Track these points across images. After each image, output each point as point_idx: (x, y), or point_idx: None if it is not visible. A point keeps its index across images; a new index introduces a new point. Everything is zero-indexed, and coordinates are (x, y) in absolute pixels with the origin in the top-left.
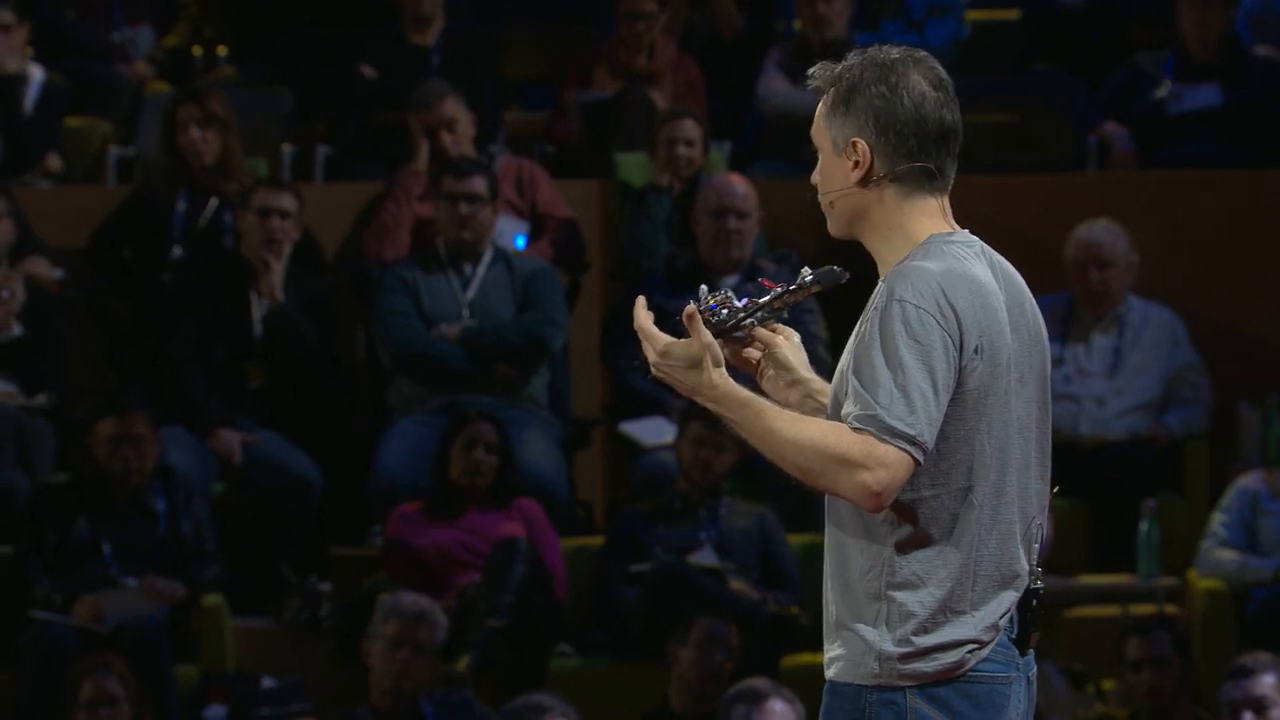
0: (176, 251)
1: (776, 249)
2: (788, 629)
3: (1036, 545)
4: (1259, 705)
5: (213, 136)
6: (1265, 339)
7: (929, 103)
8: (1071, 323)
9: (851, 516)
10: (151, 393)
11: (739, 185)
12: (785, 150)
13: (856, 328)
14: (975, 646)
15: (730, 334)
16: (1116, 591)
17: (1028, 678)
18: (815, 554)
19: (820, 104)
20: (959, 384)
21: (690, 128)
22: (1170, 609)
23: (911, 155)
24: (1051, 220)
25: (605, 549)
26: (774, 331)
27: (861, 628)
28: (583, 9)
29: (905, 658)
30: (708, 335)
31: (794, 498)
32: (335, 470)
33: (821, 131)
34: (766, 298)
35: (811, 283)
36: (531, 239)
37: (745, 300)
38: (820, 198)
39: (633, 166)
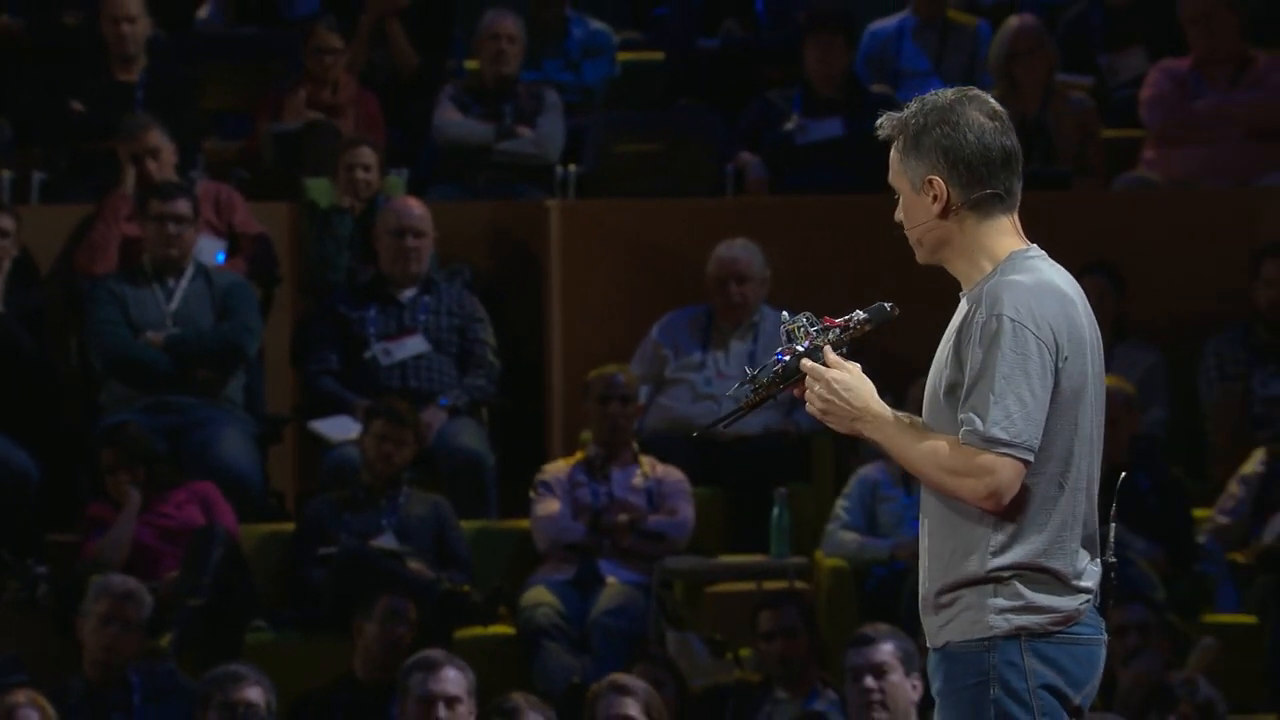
0: None
1: (449, 264)
2: (459, 605)
3: (1113, 525)
4: (879, 670)
5: None
6: (879, 344)
7: (989, 133)
8: (712, 331)
9: (959, 505)
10: None
11: (416, 207)
12: (457, 175)
13: (945, 343)
14: (1076, 607)
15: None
16: (752, 569)
17: (1105, 642)
18: (485, 537)
19: (893, 151)
20: (1055, 384)
21: (368, 154)
22: (799, 585)
23: (982, 183)
24: (694, 240)
25: (296, 534)
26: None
27: (973, 593)
28: (274, 48)
29: (1018, 610)
30: (853, 364)
31: (465, 488)
32: (51, 464)
33: (899, 175)
34: (832, 335)
35: (865, 320)
36: (228, 255)
37: (806, 345)
38: (908, 233)
39: (319, 189)
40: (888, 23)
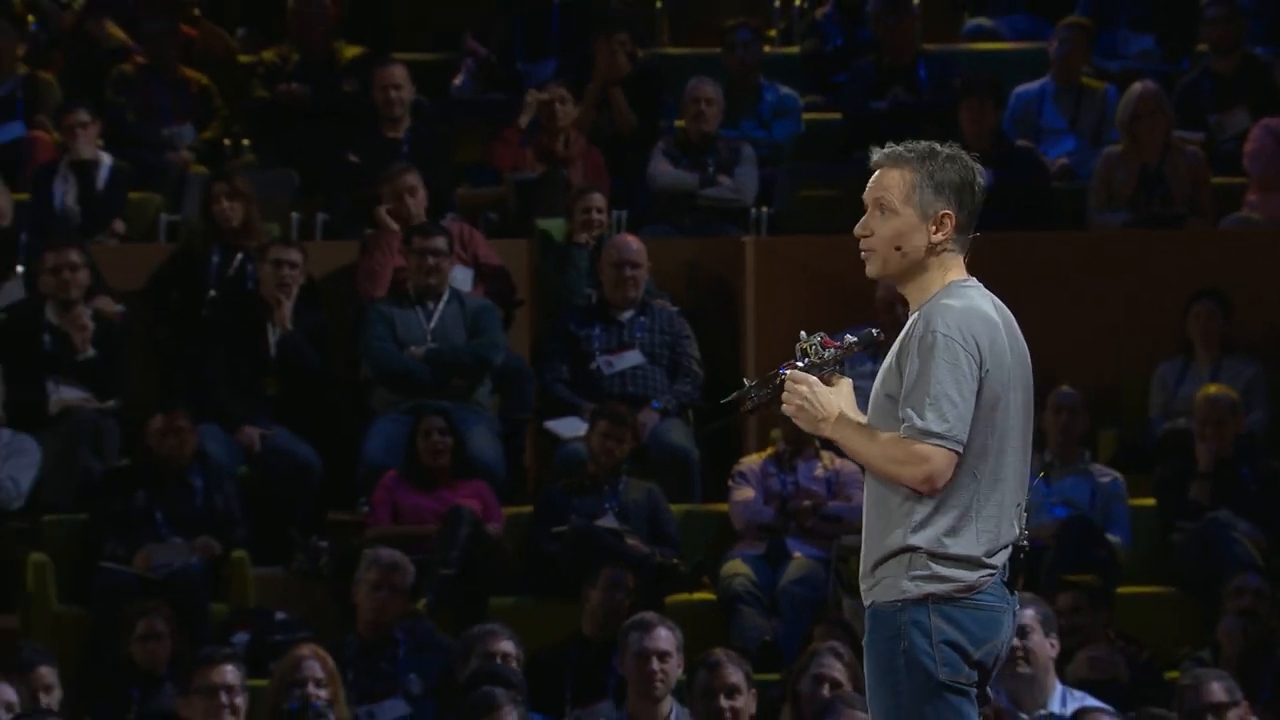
0: (211, 293)
1: (662, 290)
2: (670, 576)
3: (1025, 514)
4: (1023, 631)
5: (238, 207)
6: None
7: (982, 188)
8: (881, 347)
9: (888, 489)
10: (192, 398)
11: (634, 243)
12: (667, 216)
13: (890, 354)
14: (977, 579)
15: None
16: None
17: (1013, 611)
18: (692, 519)
19: (898, 176)
20: (978, 391)
21: (598, 199)
22: None
23: (972, 227)
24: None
25: (534, 515)
26: (830, 380)
27: (894, 563)
28: (514, 111)
29: (926, 579)
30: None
31: (674, 477)
32: (331, 457)
33: (905, 201)
34: (829, 354)
35: (854, 343)
36: (473, 284)
37: (805, 360)
38: (887, 248)
39: (553, 228)
40: (1030, 87)
